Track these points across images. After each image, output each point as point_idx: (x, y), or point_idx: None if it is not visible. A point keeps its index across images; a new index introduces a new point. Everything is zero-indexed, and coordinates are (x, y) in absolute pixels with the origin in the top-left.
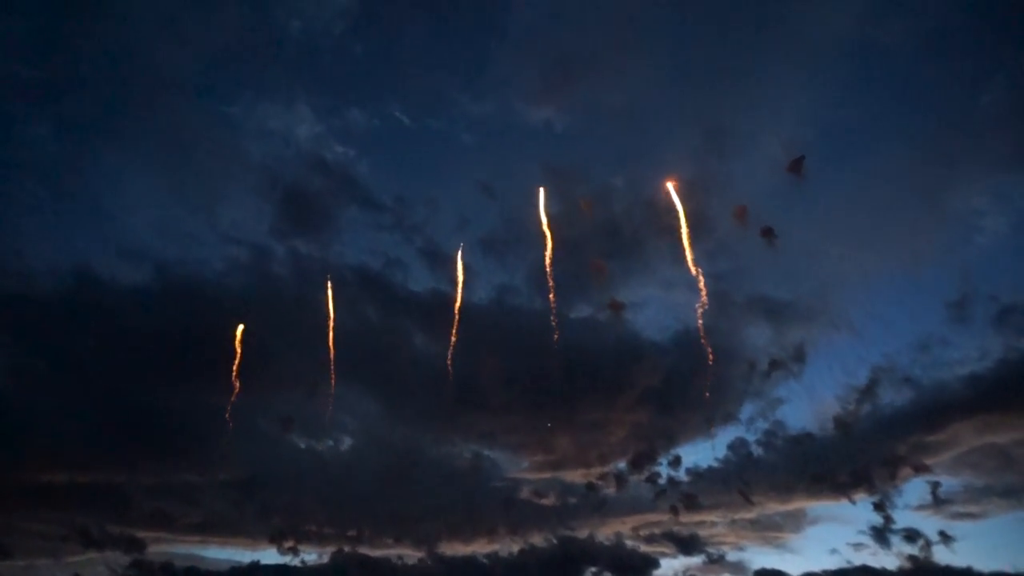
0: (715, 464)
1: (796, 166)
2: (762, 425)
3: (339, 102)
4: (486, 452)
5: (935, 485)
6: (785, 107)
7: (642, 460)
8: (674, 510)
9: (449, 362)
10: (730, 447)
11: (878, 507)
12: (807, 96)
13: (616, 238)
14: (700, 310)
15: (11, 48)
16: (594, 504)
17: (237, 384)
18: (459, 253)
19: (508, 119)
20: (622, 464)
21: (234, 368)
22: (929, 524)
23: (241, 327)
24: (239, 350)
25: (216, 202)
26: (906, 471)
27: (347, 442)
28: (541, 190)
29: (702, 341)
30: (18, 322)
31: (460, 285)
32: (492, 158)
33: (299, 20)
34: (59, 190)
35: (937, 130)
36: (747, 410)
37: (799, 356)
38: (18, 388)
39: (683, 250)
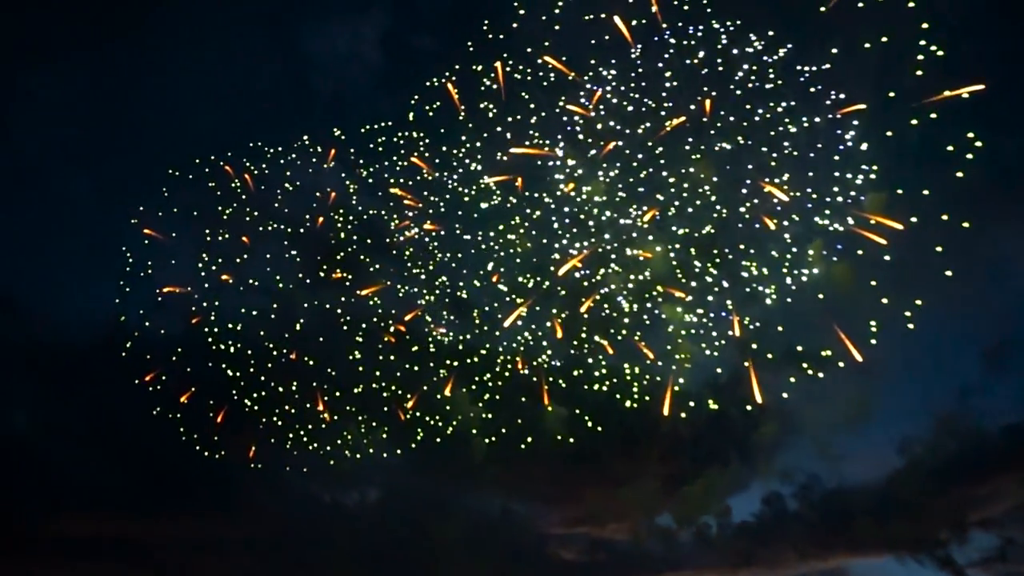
0: (749, 519)
1: None
2: (800, 478)
3: (367, 155)
4: (514, 506)
5: (1007, 542)
6: (799, 152)
7: (690, 513)
8: (734, 564)
9: None
10: (764, 501)
11: (945, 564)
12: (819, 140)
13: (638, 280)
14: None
15: (56, 111)
16: (627, 560)
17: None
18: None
19: (533, 167)
20: (658, 518)
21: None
22: None
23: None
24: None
25: (245, 253)
26: (958, 526)
27: (373, 495)
28: None
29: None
30: (52, 373)
31: None
32: (517, 204)
33: (331, 80)
34: (95, 244)
35: (965, 171)
36: (783, 464)
37: (861, 409)
38: (49, 438)
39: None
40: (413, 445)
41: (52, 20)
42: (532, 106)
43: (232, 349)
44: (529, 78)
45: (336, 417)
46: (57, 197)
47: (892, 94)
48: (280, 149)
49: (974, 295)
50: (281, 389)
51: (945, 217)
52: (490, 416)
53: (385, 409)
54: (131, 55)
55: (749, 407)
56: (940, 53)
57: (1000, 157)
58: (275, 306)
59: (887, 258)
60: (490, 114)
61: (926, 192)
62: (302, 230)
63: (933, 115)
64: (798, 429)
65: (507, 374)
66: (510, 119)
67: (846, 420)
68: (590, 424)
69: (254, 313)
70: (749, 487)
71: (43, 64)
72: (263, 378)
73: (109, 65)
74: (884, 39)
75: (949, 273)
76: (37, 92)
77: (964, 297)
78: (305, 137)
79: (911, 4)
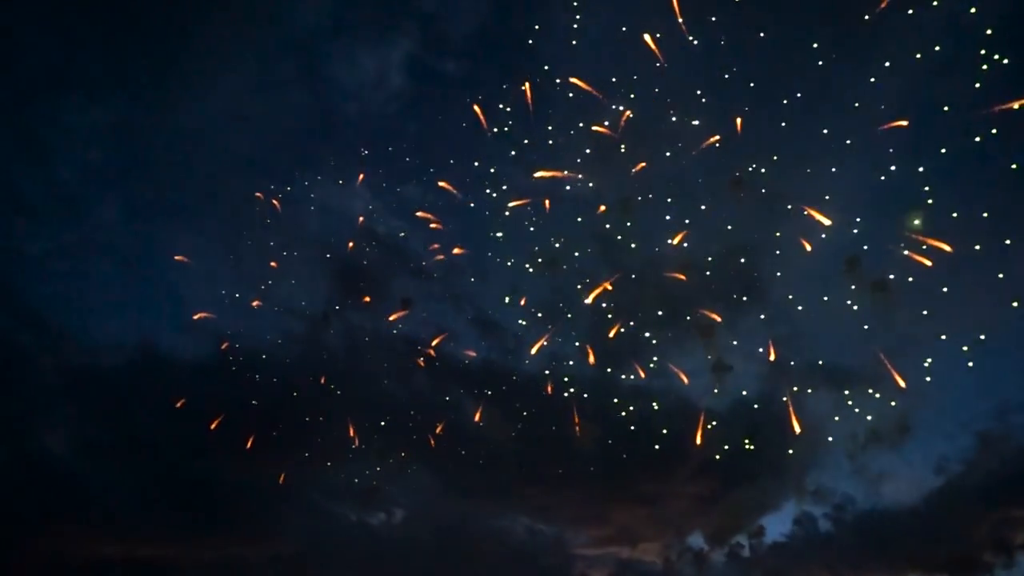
0: (782, 539)
1: None
2: (834, 499)
3: (393, 179)
4: (541, 526)
5: None
6: (839, 170)
7: (726, 533)
8: None
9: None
10: (797, 521)
11: None
12: (861, 159)
13: (668, 303)
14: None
15: (89, 137)
16: None
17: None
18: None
19: (558, 189)
20: (689, 538)
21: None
22: None
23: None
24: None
25: (274, 277)
26: (1003, 548)
27: (399, 515)
28: None
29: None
30: (84, 396)
31: None
32: (544, 227)
33: (356, 103)
34: (127, 268)
35: (997, 186)
36: (816, 484)
37: (897, 428)
38: (81, 460)
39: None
40: (442, 471)
41: (87, 50)
42: (560, 128)
43: (261, 373)
44: (557, 100)
45: (364, 445)
46: (90, 222)
47: (947, 108)
48: (308, 172)
49: (1012, 312)
50: (308, 416)
51: (1008, 242)
52: (519, 439)
53: (414, 437)
54: (164, 83)
55: (787, 440)
56: (1005, 61)
57: None
58: (304, 331)
59: (941, 286)
60: (517, 136)
61: (985, 214)
62: (329, 255)
63: (994, 130)
64: (831, 448)
65: (537, 398)
66: (536, 141)
67: (881, 439)
68: (620, 446)
69: (279, 342)
70: (782, 507)
71: (78, 93)
72: (292, 402)
73: (142, 94)
74: (936, 47)
75: (1016, 304)
76: (72, 120)
77: (1002, 314)
78: (332, 161)
79: (972, 10)
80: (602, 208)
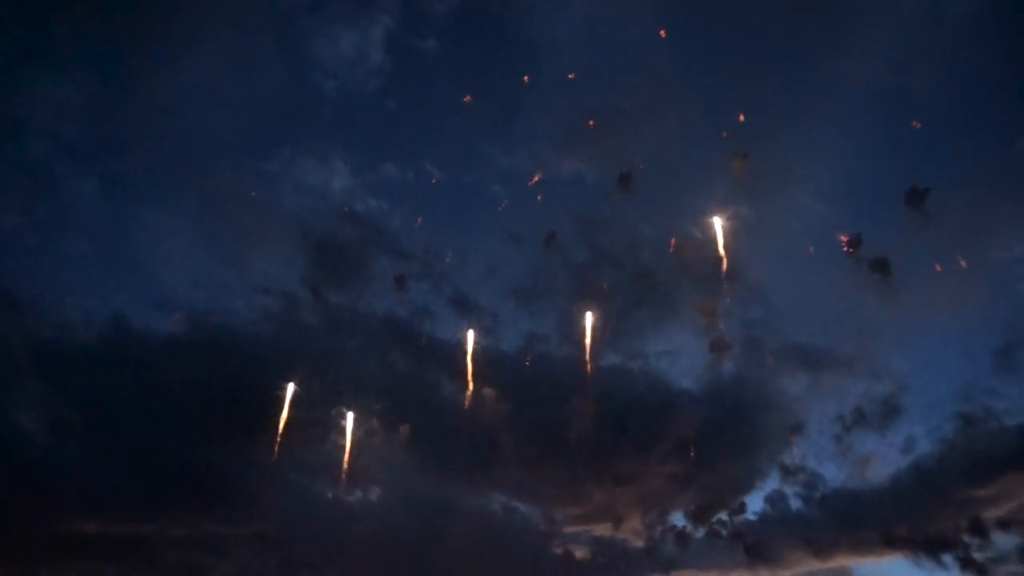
0: (752, 518)
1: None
2: (802, 476)
3: (373, 157)
4: (517, 504)
5: None
6: (817, 157)
7: (703, 512)
8: (745, 562)
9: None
10: (768, 500)
11: (966, 564)
12: (839, 145)
13: (647, 286)
14: None
15: (61, 111)
16: (637, 557)
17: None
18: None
19: (538, 171)
20: (670, 516)
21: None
22: None
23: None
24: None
25: (250, 254)
26: (976, 526)
27: (376, 493)
28: None
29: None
30: (54, 372)
31: None
32: (522, 209)
33: (335, 80)
34: (101, 244)
35: (973, 177)
36: (792, 463)
37: (890, 410)
38: (53, 437)
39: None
40: (419, 449)
41: (60, 23)
42: (545, 109)
43: (236, 351)
44: (542, 80)
45: (342, 423)
46: (63, 198)
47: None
48: (286, 149)
49: (982, 297)
50: (285, 394)
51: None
52: (498, 418)
53: (392, 415)
54: (138, 58)
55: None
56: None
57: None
58: (281, 310)
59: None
60: (500, 116)
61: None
62: (308, 233)
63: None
64: (807, 430)
65: (516, 378)
66: (520, 122)
67: (869, 421)
68: (601, 426)
69: (255, 321)
70: (763, 487)
71: (50, 66)
72: (268, 381)
73: (116, 67)
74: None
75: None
76: (44, 94)
77: (973, 299)
78: (311, 139)
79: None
80: (588, 190)
